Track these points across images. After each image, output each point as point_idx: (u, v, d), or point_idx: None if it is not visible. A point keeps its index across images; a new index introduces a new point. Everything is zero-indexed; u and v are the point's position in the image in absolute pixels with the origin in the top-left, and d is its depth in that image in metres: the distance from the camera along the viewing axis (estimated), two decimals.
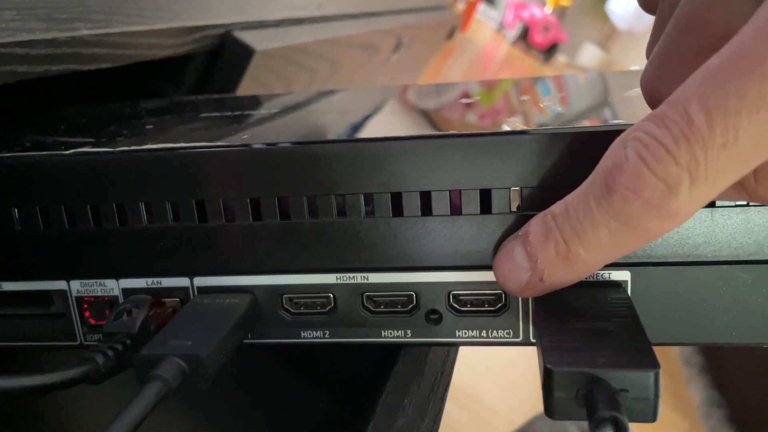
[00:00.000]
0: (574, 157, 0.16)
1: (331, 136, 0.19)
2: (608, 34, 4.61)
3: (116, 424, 0.14)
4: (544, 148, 0.17)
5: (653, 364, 0.14)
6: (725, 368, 1.08)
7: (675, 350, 1.18)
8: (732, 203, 0.16)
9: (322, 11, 0.53)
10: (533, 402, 0.93)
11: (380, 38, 0.68)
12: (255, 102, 0.27)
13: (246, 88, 0.39)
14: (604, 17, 4.17)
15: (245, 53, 0.37)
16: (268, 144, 0.18)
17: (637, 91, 0.21)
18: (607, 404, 0.13)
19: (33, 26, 0.24)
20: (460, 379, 0.91)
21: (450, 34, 1.29)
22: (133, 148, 0.18)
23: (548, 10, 4.34)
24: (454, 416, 0.88)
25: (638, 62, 4.14)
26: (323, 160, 0.18)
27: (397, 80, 0.93)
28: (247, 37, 0.38)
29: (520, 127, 0.17)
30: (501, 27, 4.61)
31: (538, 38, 4.18)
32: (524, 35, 4.29)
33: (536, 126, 0.18)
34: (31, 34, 0.24)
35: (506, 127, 0.17)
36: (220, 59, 0.37)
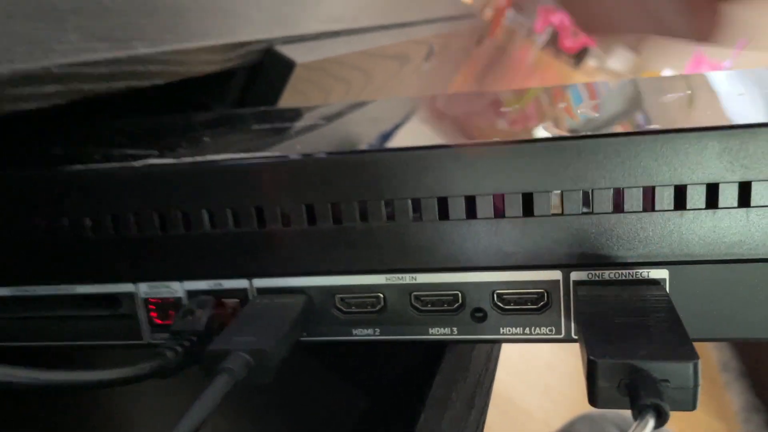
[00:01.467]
0: (609, 161, 0.17)
1: (377, 145, 0.21)
2: (639, 38, 4.56)
3: (191, 413, 0.16)
4: (581, 154, 0.17)
5: (692, 355, 0.15)
6: (764, 373, 1.07)
7: (713, 355, 1.17)
8: (766, 203, 0.17)
9: (357, 23, 0.54)
10: (568, 404, 0.93)
11: (412, 48, 0.69)
12: (302, 114, 0.28)
13: (286, 99, 0.40)
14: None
15: (286, 66, 0.38)
16: (320, 153, 0.19)
17: (671, 96, 0.21)
18: (649, 393, 0.14)
19: (96, 46, 0.26)
20: (496, 381, 0.91)
21: (479, 41, 1.30)
22: (197, 159, 0.20)
23: None
24: (489, 418, 0.88)
25: (669, 65, 4.08)
26: (372, 167, 0.19)
27: (428, 88, 0.94)
28: (287, 50, 0.39)
29: (559, 133, 0.18)
30: (530, 32, 4.60)
31: (568, 43, 4.15)
32: (554, 40, 4.27)
33: (570, 132, 0.19)
34: (95, 53, 0.26)
35: (545, 134, 0.18)
36: (263, 72, 0.39)
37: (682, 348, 0.15)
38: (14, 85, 0.22)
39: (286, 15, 0.44)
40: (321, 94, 0.47)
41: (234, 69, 0.37)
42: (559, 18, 4.22)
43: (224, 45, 0.34)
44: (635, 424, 0.14)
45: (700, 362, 0.15)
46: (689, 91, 0.22)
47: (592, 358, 0.15)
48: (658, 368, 0.15)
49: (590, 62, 4.75)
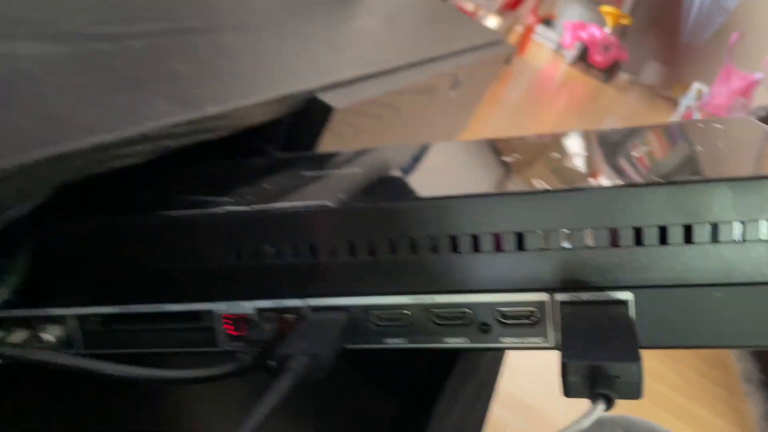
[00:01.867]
0: (581, 208, 0.22)
1: (403, 193, 0.26)
2: (670, 51, 4.55)
3: (265, 401, 0.21)
4: (560, 202, 0.23)
5: (636, 358, 0.20)
6: None
7: (736, 366, 1.19)
8: (706, 240, 0.22)
9: (388, 65, 0.60)
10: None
11: (439, 81, 0.75)
12: (342, 158, 0.34)
13: (325, 138, 0.46)
14: (668, 34, 4.13)
15: (325, 112, 0.44)
16: (358, 203, 0.25)
17: (638, 151, 0.27)
18: (603, 385, 0.19)
19: (176, 110, 0.32)
20: (520, 389, 0.96)
21: (508, 60, 1.34)
22: (263, 206, 0.25)
23: (608, 29, 4.32)
24: (511, 423, 0.93)
25: (701, 77, 4.07)
26: (398, 213, 0.24)
27: (456, 112, 0.99)
28: (326, 97, 0.45)
29: (544, 186, 0.24)
30: (559, 48, 4.62)
31: (598, 58, 4.17)
32: (583, 55, 4.29)
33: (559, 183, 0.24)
34: (175, 116, 0.32)
35: (536, 186, 0.24)
36: (305, 118, 0.45)
37: (631, 352, 0.20)
38: (119, 147, 0.28)
39: (324, 64, 0.50)
40: (354, 132, 0.53)
41: (281, 117, 0.43)
42: (589, 33, 4.25)
43: (275, 99, 0.40)
44: (590, 407, 0.19)
45: (642, 363, 0.20)
46: (657, 144, 0.27)
47: (564, 360, 0.20)
48: (611, 367, 0.20)
49: (622, 76, 4.75)
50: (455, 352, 0.27)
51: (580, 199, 0.23)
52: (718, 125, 0.30)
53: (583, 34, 4.21)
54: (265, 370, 0.25)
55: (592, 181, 0.24)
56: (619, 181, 0.23)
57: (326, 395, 0.35)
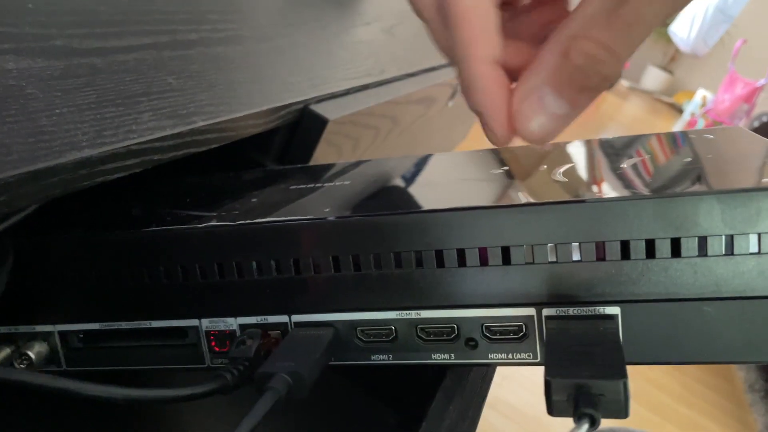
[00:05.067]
0: (566, 222, 0.22)
1: (389, 207, 0.26)
2: (672, 56, 4.55)
3: (247, 421, 0.21)
4: (545, 216, 0.22)
5: (622, 375, 0.19)
6: None
7: (739, 377, 1.18)
8: (694, 254, 0.22)
9: (384, 75, 0.60)
10: None
11: (437, 91, 0.75)
12: (331, 172, 0.34)
13: (320, 149, 0.46)
14: (667, 40, 4.12)
15: (320, 123, 0.44)
16: (343, 217, 0.24)
17: (629, 162, 0.26)
18: (586, 404, 0.19)
19: (164, 124, 0.32)
20: (520, 401, 0.95)
21: None
22: (247, 222, 0.25)
23: None
24: None
25: (703, 84, 4.06)
26: (383, 227, 0.24)
27: (454, 123, 0.99)
28: (320, 109, 0.45)
29: (529, 200, 0.23)
30: None
31: None
32: None
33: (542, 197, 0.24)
34: (163, 131, 0.32)
35: (521, 200, 0.23)
36: (299, 129, 0.45)
37: (616, 369, 0.20)
38: (104, 162, 0.28)
39: (319, 75, 0.50)
40: (351, 143, 0.53)
41: (275, 128, 0.43)
42: None
43: (268, 110, 0.39)
44: (573, 427, 0.18)
45: (627, 381, 0.19)
46: (647, 156, 0.27)
47: (547, 378, 0.20)
48: (595, 385, 0.19)
49: (623, 83, 4.75)
50: (443, 366, 0.27)
51: (566, 213, 0.22)
52: (710, 135, 0.30)
53: None
54: (252, 385, 0.24)
55: (578, 195, 0.24)
56: (606, 195, 0.23)
57: (314, 407, 0.35)
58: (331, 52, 0.59)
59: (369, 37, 0.73)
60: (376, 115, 0.57)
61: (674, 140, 0.30)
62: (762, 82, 2.98)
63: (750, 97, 3.04)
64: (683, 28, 3.33)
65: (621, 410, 0.19)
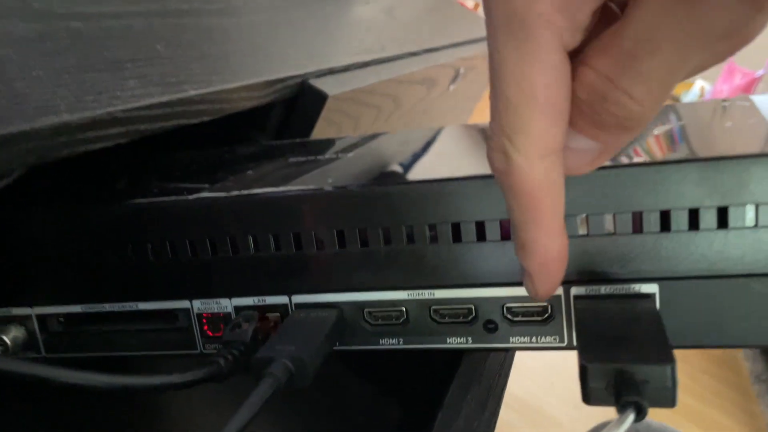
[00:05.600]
0: (600, 190, 0.20)
1: (399, 177, 0.23)
2: None
3: (242, 410, 0.18)
4: (575, 183, 0.20)
5: (670, 359, 0.17)
6: None
7: (745, 368, 1.16)
8: (743, 225, 0.19)
9: (385, 53, 0.57)
10: (596, 414, 0.94)
11: (439, 72, 0.72)
12: (332, 145, 0.31)
13: (320, 127, 0.43)
14: None
15: (319, 99, 0.42)
16: (348, 187, 0.22)
17: (662, 128, 0.24)
18: (631, 392, 0.16)
19: (151, 91, 0.30)
20: (525, 392, 0.93)
21: None
22: (243, 192, 0.23)
23: None
24: (518, 426, 0.90)
25: (701, 74, 4.03)
26: (394, 198, 0.22)
27: (456, 108, 0.96)
28: (320, 84, 0.43)
29: None
30: None
31: None
32: None
33: None
34: (151, 98, 0.29)
35: None
36: (298, 105, 0.42)
37: (662, 353, 0.17)
38: (84, 130, 0.25)
39: (318, 50, 0.47)
40: (351, 122, 0.51)
41: (273, 102, 0.40)
42: None
43: (263, 82, 0.37)
44: (617, 418, 0.16)
45: (676, 365, 0.17)
46: (681, 122, 0.25)
47: (583, 363, 0.18)
48: (639, 371, 0.17)
49: None
50: (459, 352, 0.24)
51: (599, 180, 0.20)
52: (746, 102, 0.27)
53: None
54: (247, 373, 0.22)
55: (611, 160, 0.22)
56: (642, 159, 0.20)
57: (317, 399, 0.33)
58: (329, 28, 0.57)
59: (368, 15, 0.70)
60: (378, 94, 0.54)
61: (705, 108, 0.27)
62: (761, 72, 2.96)
63: (749, 88, 3.02)
64: None
65: (669, 398, 0.17)
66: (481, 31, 0.99)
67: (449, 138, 0.30)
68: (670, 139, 0.25)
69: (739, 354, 1.22)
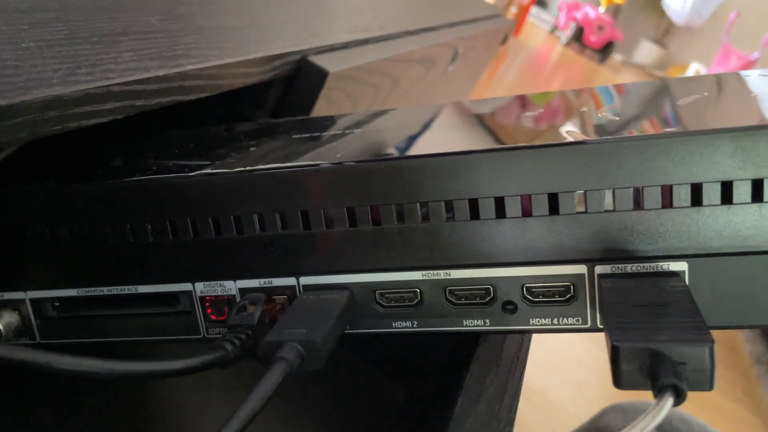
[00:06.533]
0: (628, 162, 0.19)
1: (411, 151, 0.22)
2: (665, 30, 4.51)
3: (253, 396, 0.17)
4: (602, 156, 0.19)
5: (708, 339, 0.16)
6: None
7: (745, 350, 1.16)
8: None
9: (384, 31, 0.56)
10: (600, 398, 0.94)
11: (437, 52, 0.71)
12: (339, 122, 0.30)
13: (319, 107, 0.42)
14: (661, 13, 4.08)
15: (320, 76, 0.40)
16: (359, 161, 0.21)
17: (689, 99, 0.23)
18: (668, 374, 0.15)
19: (147, 65, 0.28)
20: (528, 376, 0.93)
21: (504, 40, 1.31)
22: (247, 168, 0.21)
23: (602, 9, 4.27)
24: (523, 412, 0.90)
25: (696, 57, 4.02)
26: (407, 172, 0.20)
27: (454, 89, 0.95)
28: (319, 60, 0.41)
29: (581, 137, 0.20)
30: (554, 29, 4.57)
31: (593, 38, 4.12)
32: (578, 36, 4.24)
33: (596, 132, 0.21)
34: (146, 72, 0.28)
35: (569, 138, 0.20)
36: (297, 82, 0.41)
37: (699, 333, 0.16)
38: (78, 104, 0.24)
39: (317, 27, 0.46)
40: (351, 100, 0.49)
41: (271, 80, 0.39)
42: (583, 13, 4.19)
43: (261, 58, 0.36)
44: (655, 402, 0.15)
45: (715, 346, 0.16)
46: (706, 93, 0.24)
47: (615, 343, 0.17)
48: (676, 351, 0.16)
49: (616, 57, 4.70)
50: (475, 336, 0.23)
51: (626, 152, 0.19)
52: (765, 74, 0.26)
53: (578, 14, 4.16)
54: (253, 359, 0.21)
55: (638, 130, 0.20)
56: (672, 129, 0.19)
57: (327, 385, 0.32)
58: (327, 4, 0.55)
59: None
60: (377, 73, 0.53)
61: (735, 78, 0.26)
62: (756, 55, 2.95)
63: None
64: (677, 0, 3.28)
65: (706, 381, 0.16)
66: (479, 12, 0.97)
67: (461, 113, 0.28)
68: (694, 109, 0.24)
69: (739, 336, 1.22)
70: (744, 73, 0.27)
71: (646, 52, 4.65)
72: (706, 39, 4.20)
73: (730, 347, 1.19)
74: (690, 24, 3.33)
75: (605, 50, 4.22)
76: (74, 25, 0.28)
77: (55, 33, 0.27)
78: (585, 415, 0.53)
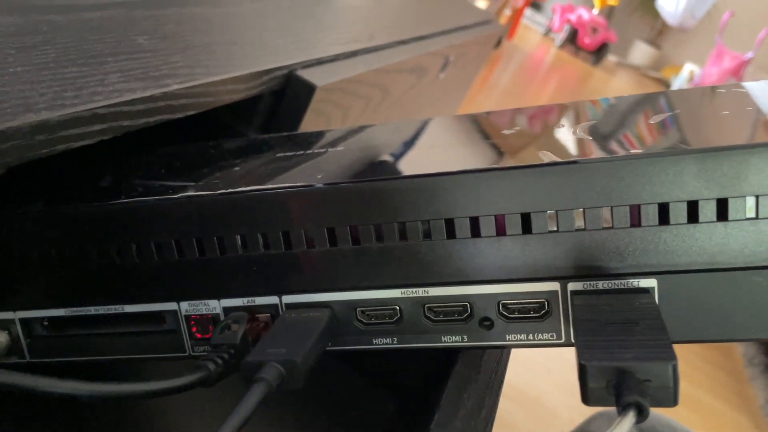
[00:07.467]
0: (597, 183, 0.19)
1: (391, 172, 0.23)
2: (659, 31, 4.52)
3: (233, 417, 0.18)
4: (572, 177, 0.19)
5: (671, 357, 0.16)
6: None
7: (738, 351, 1.17)
8: (743, 216, 0.19)
9: (373, 42, 0.56)
10: None
11: (428, 60, 0.71)
12: (322, 139, 0.31)
13: (308, 119, 0.43)
14: (654, 14, 4.09)
15: (308, 90, 0.41)
16: (338, 182, 0.21)
17: (658, 117, 0.23)
18: (632, 391, 0.16)
19: (134, 86, 0.29)
20: (521, 381, 0.93)
21: (497, 44, 1.31)
22: (230, 190, 0.22)
23: (596, 11, 4.29)
24: (516, 417, 0.90)
25: (690, 57, 4.04)
26: (385, 193, 0.21)
27: (446, 96, 0.96)
28: (307, 74, 0.42)
29: (552, 158, 0.20)
30: (548, 31, 4.58)
31: (587, 40, 4.13)
32: (572, 38, 4.25)
33: (567, 154, 0.21)
34: (133, 93, 0.28)
35: (542, 158, 0.20)
36: (286, 97, 0.41)
37: (663, 351, 0.17)
38: (65, 127, 0.25)
39: (305, 40, 0.46)
40: (341, 113, 0.50)
41: (259, 95, 0.40)
42: (577, 15, 4.20)
43: (249, 74, 0.36)
44: (618, 419, 0.16)
45: (677, 363, 0.16)
46: (677, 111, 0.24)
47: (582, 362, 0.17)
48: (640, 369, 0.17)
49: (610, 58, 4.72)
50: (454, 352, 0.24)
51: (595, 172, 0.19)
52: (740, 89, 0.27)
53: (572, 17, 4.17)
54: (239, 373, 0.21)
55: (608, 152, 0.21)
56: (640, 150, 0.20)
57: (313, 397, 0.32)
58: (316, 16, 0.56)
59: (356, 3, 0.69)
60: (367, 84, 0.54)
61: (706, 93, 0.27)
62: (749, 54, 2.96)
63: (738, 71, 3.03)
64: (671, 1, 3.30)
65: (670, 398, 0.17)
66: (471, 18, 0.98)
67: (441, 130, 0.29)
68: (663, 128, 0.25)
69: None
70: (719, 87, 0.28)
71: (641, 53, 4.67)
72: (699, 39, 4.22)
73: (723, 350, 1.20)
74: (683, 25, 3.35)
75: (600, 52, 4.23)
76: (62, 48, 0.28)
77: (43, 56, 0.27)
78: (578, 420, 0.54)
